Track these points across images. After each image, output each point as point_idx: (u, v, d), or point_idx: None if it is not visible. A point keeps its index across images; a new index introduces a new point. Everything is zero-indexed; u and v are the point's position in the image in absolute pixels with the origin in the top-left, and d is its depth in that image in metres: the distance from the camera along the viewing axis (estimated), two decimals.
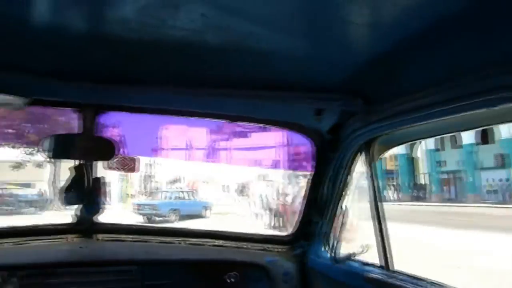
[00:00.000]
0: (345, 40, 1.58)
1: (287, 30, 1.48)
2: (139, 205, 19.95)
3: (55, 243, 2.38)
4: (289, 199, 17.20)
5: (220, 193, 26.79)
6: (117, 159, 2.36)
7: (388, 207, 2.16)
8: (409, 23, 1.36)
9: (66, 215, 2.72)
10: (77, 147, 2.11)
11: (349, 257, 2.30)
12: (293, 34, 1.51)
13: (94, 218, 2.42)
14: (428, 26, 1.35)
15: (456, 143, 29.04)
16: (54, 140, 2.10)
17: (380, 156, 2.18)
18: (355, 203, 2.43)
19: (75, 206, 2.32)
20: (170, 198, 21.17)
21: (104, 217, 2.41)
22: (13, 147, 20.50)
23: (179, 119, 2.23)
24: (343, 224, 2.35)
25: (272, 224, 16.46)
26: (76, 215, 2.38)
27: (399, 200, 29.35)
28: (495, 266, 8.81)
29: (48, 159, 18.92)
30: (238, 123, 2.28)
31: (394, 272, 2.01)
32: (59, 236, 2.40)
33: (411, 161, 32.74)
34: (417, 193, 31.35)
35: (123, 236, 2.52)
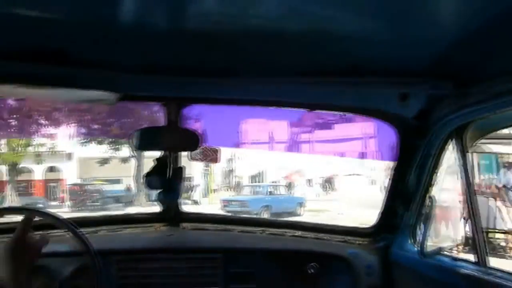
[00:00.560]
0: (435, 17, 1.46)
1: (372, 11, 1.40)
2: (226, 201, 18.38)
3: (144, 231, 2.56)
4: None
5: (310, 188, 25.35)
6: (199, 150, 2.44)
7: None
8: None
9: (150, 210, 2.89)
10: (163, 139, 2.21)
11: (438, 251, 2.17)
12: (378, 15, 1.43)
13: (180, 208, 2.55)
14: None
15: None
16: (142, 133, 2.22)
17: (474, 144, 2.01)
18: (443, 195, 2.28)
19: (158, 201, 2.45)
20: (262, 193, 19.27)
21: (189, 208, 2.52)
22: (99, 142, 21.80)
23: (260, 111, 2.25)
24: (431, 216, 2.21)
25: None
26: (162, 204, 2.53)
27: None
28: None
29: (132, 154, 20.13)
30: (319, 111, 2.24)
31: (491, 268, 1.85)
32: (148, 225, 2.57)
33: None
34: None
35: (207, 225, 2.63)
